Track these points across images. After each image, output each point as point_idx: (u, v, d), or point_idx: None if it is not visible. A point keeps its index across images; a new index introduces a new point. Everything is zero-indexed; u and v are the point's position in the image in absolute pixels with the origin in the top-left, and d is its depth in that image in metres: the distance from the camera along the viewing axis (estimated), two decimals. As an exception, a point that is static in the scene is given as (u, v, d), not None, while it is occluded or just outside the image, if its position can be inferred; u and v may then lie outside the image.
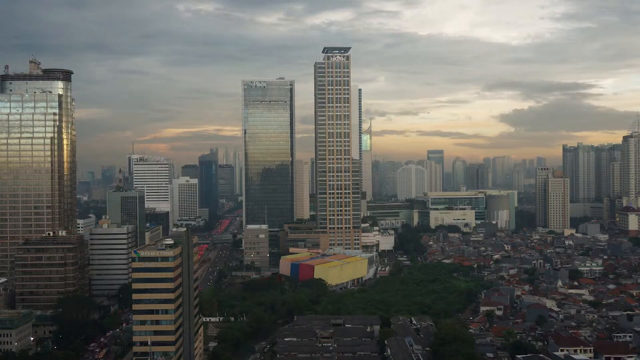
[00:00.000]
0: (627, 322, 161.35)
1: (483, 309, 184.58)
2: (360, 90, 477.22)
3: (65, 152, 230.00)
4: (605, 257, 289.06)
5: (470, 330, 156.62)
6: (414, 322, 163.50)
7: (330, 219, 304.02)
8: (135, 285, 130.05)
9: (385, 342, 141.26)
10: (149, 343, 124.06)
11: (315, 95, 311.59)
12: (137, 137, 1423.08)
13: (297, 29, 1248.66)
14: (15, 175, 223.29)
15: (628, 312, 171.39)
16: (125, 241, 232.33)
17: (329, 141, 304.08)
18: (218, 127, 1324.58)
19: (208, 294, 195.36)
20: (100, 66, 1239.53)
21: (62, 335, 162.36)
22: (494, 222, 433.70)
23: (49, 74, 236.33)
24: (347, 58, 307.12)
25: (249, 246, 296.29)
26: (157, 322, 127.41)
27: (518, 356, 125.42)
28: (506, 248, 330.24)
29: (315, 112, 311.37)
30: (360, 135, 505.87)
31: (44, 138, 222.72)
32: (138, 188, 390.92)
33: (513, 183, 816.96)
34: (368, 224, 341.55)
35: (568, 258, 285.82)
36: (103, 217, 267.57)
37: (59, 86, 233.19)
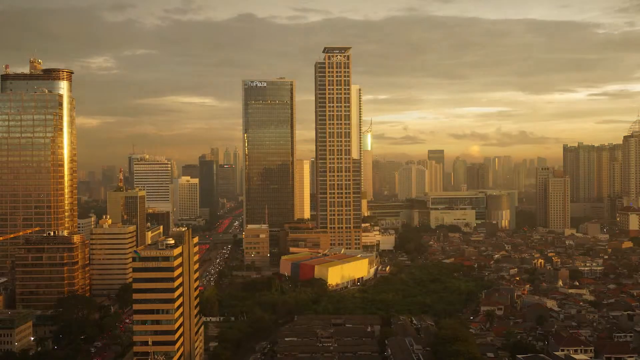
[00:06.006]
0: (627, 322, 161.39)
1: (483, 308, 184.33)
2: (360, 90, 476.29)
3: (65, 151, 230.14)
4: (605, 257, 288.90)
5: (471, 330, 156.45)
6: (415, 322, 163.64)
7: (330, 219, 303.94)
8: (135, 285, 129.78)
9: (386, 342, 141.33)
10: (149, 343, 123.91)
11: (315, 95, 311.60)
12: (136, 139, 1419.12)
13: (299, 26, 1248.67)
14: (16, 175, 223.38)
15: (628, 312, 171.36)
16: (125, 241, 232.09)
17: (330, 141, 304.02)
18: (219, 126, 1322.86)
19: (208, 294, 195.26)
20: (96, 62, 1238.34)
21: (62, 335, 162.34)
22: (494, 222, 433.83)
23: (50, 74, 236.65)
24: (348, 58, 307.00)
25: (249, 246, 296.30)
26: (158, 322, 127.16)
27: (518, 356, 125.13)
28: (506, 248, 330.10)
29: (315, 111, 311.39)
30: (360, 135, 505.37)
31: (44, 138, 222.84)
32: (139, 188, 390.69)
33: (513, 183, 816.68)
34: (368, 224, 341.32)
35: (568, 258, 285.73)
36: (104, 216, 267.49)
37: (59, 86, 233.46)
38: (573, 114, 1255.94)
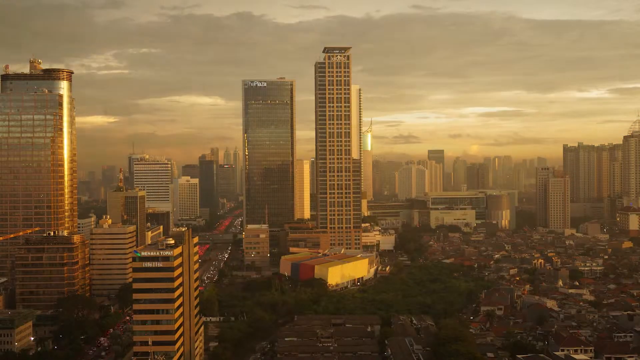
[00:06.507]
0: (627, 322, 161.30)
1: (483, 308, 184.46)
2: (360, 90, 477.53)
3: (65, 151, 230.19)
4: (605, 257, 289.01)
5: (471, 330, 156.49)
6: (415, 322, 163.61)
7: (330, 219, 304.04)
8: (135, 285, 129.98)
9: (386, 342, 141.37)
10: (149, 343, 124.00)
11: (315, 94, 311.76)
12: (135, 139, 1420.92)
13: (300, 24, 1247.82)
14: (16, 175, 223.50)
15: (628, 312, 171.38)
16: (125, 241, 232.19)
17: (330, 141, 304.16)
18: (219, 126, 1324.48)
19: (208, 294, 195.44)
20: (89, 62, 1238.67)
21: (62, 335, 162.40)
22: (494, 222, 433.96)
23: (50, 74, 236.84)
24: (348, 58, 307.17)
25: (249, 246, 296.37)
26: (158, 322, 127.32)
27: (518, 356, 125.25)
28: (506, 248, 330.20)
29: (315, 111, 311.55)
30: (360, 135, 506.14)
31: (44, 138, 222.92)
32: (139, 188, 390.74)
33: (513, 183, 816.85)
34: (368, 224, 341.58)
35: (568, 258, 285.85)
36: (104, 216, 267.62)
37: (59, 86, 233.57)
38: (577, 114, 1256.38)
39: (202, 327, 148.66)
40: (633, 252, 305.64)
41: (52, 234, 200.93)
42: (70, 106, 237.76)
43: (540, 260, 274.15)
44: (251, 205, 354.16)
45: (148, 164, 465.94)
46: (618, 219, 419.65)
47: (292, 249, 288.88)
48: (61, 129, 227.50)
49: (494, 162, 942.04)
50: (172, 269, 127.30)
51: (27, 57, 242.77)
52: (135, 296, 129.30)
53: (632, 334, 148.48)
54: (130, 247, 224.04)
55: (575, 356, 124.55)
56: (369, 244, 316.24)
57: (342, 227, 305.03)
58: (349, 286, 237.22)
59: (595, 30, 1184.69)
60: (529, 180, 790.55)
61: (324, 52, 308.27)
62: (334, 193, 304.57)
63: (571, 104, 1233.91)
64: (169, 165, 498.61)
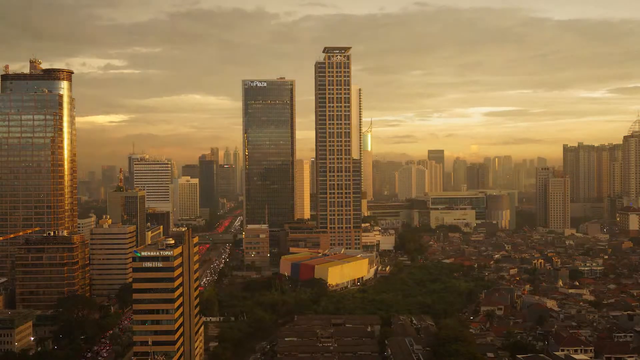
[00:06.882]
0: (627, 322, 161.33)
1: (483, 308, 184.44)
2: (360, 90, 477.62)
3: (65, 151, 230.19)
4: (605, 257, 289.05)
5: (471, 330, 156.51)
6: (415, 322, 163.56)
7: (330, 219, 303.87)
8: (135, 285, 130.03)
9: (386, 342, 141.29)
10: (149, 343, 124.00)
11: (315, 95, 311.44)
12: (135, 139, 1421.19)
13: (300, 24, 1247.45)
14: (16, 175, 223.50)
15: (629, 312, 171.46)
16: (125, 241, 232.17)
17: (330, 141, 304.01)
18: (219, 126, 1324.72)
19: (208, 294, 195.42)
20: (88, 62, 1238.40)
21: (62, 335, 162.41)
22: (494, 222, 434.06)
23: (50, 74, 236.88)
24: (348, 58, 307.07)
25: (249, 246, 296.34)
26: (158, 322, 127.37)
27: (518, 356, 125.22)
28: (506, 248, 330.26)
29: (315, 111, 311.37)
30: (360, 135, 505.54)
31: (44, 138, 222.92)
32: (139, 188, 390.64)
33: (513, 183, 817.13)
34: (368, 224, 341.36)
35: (568, 258, 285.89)
36: (104, 216, 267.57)
37: (59, 86, 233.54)
38: (577, 113, 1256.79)
39: (202, 327, 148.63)
40: (633, 252, 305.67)
41: (52, 234, 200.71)
42: (70, 106, 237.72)
43: (540, 260, 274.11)
44: (251, 205, 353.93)
45: (148, 164, 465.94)
46: (618, 219, 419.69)
47: (292, 249, 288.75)
48: (61, 129, 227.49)
49: (494, 162, 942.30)
50: (172, 269, 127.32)
51: (27, 57, 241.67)
52: (135, 296, 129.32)
53: (632, 334, 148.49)
54: (130, 247, 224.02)
55: (575, 356, 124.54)
56: (369, 244, 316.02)
57: (342, 227, 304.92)
58: (349, 286, 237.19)
59: (595, 30, 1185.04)
60: (529, 180, 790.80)
61: (324, 52, 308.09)
62: (334, 193, 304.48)
63: (571, 103, 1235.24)
64: (169, 165, 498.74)
